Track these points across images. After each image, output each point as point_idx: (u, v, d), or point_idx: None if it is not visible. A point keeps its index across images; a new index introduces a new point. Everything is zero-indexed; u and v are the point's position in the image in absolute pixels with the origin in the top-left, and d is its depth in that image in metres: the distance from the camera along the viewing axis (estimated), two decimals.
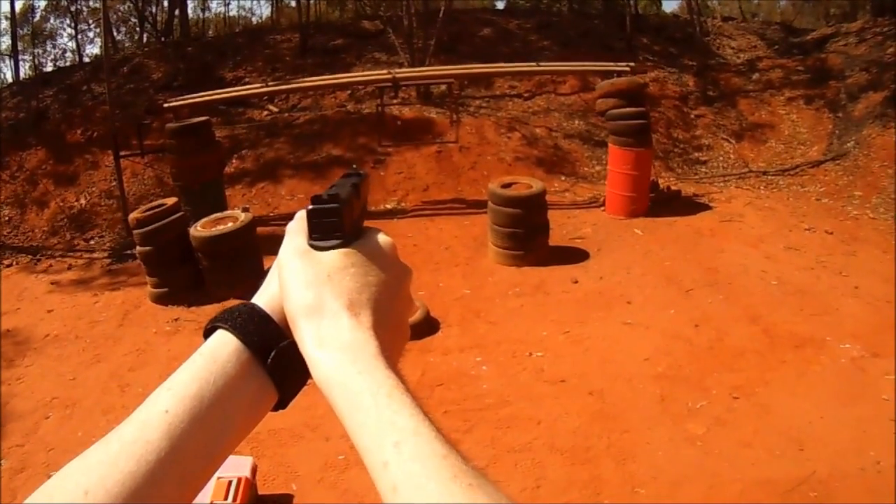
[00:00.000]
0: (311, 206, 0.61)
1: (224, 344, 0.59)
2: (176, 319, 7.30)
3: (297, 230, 0.63)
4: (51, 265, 9.95)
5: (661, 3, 20.86)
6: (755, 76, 13.67)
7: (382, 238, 0.65)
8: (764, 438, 4.50)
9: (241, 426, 0.58)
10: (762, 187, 10.57)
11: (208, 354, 0.59)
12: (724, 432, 4.60)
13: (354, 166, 0.76)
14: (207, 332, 0.61)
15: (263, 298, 0.64)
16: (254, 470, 3.90)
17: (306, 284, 0.58)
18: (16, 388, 6.26)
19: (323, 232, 0.61)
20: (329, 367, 0.54)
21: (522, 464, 4.39)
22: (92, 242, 10.84)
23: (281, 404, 0.62)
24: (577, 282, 7.32)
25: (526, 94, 13.42)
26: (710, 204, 9.77)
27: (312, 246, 0.61)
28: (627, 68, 9.71)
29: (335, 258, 0.60)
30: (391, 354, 0.56)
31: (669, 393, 5.09)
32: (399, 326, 0.63)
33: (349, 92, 13.75)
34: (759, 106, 12.88)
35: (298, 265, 0.60)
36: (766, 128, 12.35)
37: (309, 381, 0.60)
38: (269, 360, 0.59)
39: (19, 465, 5.01)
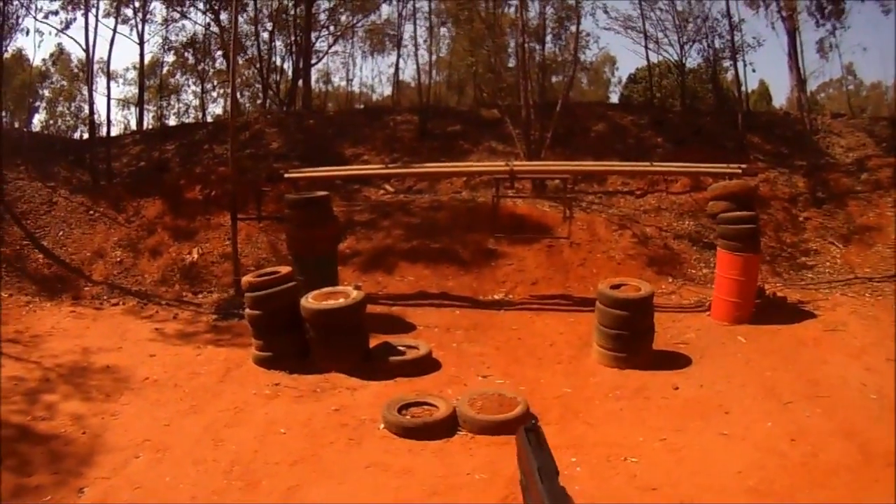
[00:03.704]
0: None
1: None
2: (276, 384, 7.62)
3: None
4: (157, 312, 10.64)
5: (771, 99, 20.90)
6: (864, 176, 13.66)
7: None
8: None
9: None
10: (867, 294, 10.59)
11: None
12: None
13: (534, 421, 1.07)
14: None
15: None
16: None
17: None
18: (110, 423, 6.63)
19: None
20: None
21: None
22: (200, 297, 11.49)
23: None
24: (677, 388, 7.54)
25: (638, 192, 13.86)
26: (815, 312, 9.84)
27: None
28: (739, 170, 9.98)
29: None
30: None
31: None
32: None
33: (465, 179, 14.42)
34: (867, 208, 12.87)
35: None
36: (874, 231, 12.32)
37: None
38: None
39: (101, 496, 5.28)
